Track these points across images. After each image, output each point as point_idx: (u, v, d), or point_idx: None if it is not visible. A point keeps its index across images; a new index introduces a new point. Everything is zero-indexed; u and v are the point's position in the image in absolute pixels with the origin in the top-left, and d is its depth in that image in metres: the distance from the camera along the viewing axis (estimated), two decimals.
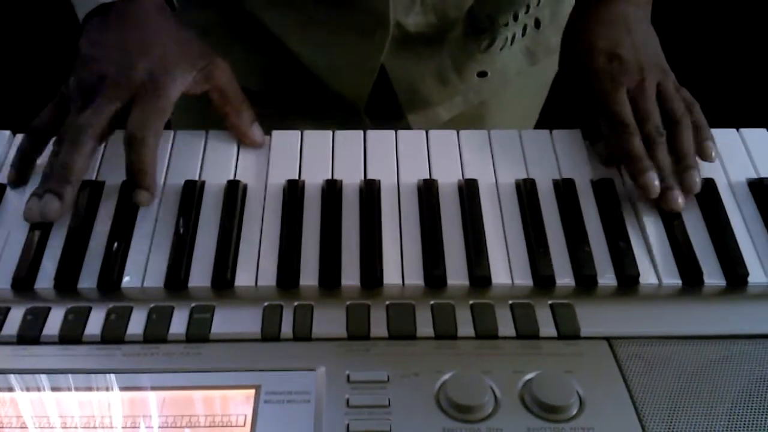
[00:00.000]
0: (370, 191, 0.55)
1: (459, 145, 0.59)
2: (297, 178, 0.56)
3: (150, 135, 0.53)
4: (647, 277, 0.50)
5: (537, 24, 0.73)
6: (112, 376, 0.43)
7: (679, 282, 0.50)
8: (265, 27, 0.70)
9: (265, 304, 0.47)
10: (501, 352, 0.45)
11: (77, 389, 0.42)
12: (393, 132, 0.60)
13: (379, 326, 0.47)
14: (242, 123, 0.58)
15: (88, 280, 0.50)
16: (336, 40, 0.69)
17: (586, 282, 0.50)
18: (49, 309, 0.47)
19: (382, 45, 0.68)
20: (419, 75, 0.74)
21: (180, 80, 0.55)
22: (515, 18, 0.71)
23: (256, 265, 0.51)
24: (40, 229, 0.52)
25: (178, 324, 0.46)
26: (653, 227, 0.53)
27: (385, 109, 0.75)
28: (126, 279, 0.50)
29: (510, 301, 0.48)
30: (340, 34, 0.69)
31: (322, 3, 0.67)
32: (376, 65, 0.71)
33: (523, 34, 0.74)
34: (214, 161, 0.58)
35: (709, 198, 0.55)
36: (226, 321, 0.47)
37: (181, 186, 0.55)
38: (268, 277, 0.50)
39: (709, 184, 0.56)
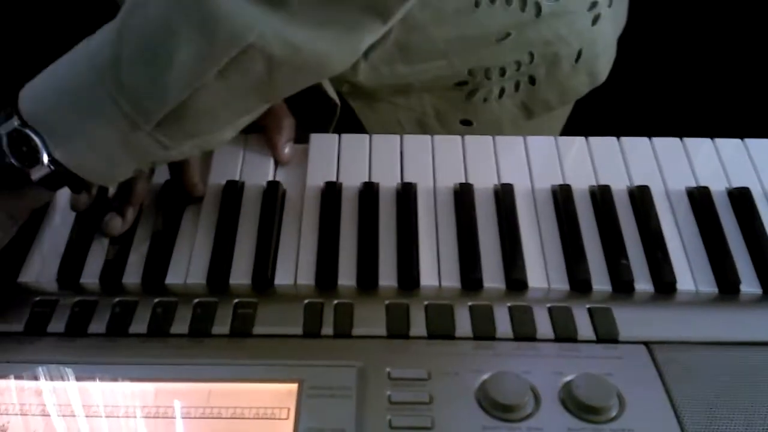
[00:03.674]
0: (407, 194, 0.56)
1: (495, 151, 0.60)
2: (335, 180, 0.57)
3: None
4: (684, 283, 0.51)
5: (532, 81, 0.71)
6: (159, 367, 0.44)
7: (715, 290, 0.51)
8: None
9: (306, 301, 0.48)
10: (540, 354, 0.45)
11: (124, 380, 0.43)
12: (429, 137, 0.61)
13: (418, 326, 0.47)
14: (279, 140, 0.59)
15: (132, 275, 0.51)
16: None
17: (622, 288, 0.50)
18: (96, 302, 0.48)
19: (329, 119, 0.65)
20: (395, 122, 0.72)
21: None
22: (502, 74, 0.70)
23: (295, 264, 0.52)
24: (85, 225, 0.54)
25: (222, 319, 0.47)
26: (690, 234, 0.54)
27: None
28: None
29: (548, 304, 0.48)
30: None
31: None
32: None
33: (516, 89, 0.72)
34: (254, 163, 0.59)
35: (744, 207, 0.55)
36: (268, 317, 0.47)
37: (223, 186, 0.56)
38: (307, 276, 0.51)
39: (745, 194, 0.56)
